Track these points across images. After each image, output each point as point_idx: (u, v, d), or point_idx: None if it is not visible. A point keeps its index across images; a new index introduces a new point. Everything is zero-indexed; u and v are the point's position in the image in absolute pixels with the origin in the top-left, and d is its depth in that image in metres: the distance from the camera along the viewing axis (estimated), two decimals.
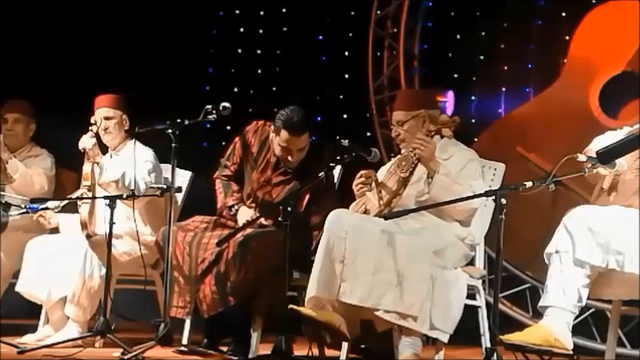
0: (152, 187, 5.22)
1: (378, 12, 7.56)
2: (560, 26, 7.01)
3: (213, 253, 4.94)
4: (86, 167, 5.37)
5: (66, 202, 5.52)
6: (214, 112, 4.97)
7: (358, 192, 4.81)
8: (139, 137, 5.49)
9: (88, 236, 5.34)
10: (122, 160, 5.50)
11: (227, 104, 4.97)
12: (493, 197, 4.10)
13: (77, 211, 5.45)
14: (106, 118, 5.61)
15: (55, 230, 5.82)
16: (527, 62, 7.15)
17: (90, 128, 5.39)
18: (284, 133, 5.06)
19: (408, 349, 4.38)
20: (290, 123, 5.04)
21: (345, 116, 7.78)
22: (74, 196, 5.45)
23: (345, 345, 4.64)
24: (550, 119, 6.79)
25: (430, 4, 7.51)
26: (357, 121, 7.66)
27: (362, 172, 4.81)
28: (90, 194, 5.32)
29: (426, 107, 4.86)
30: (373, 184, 4.78)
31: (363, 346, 4.70)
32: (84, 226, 5.31)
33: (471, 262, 4.82)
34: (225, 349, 5.08)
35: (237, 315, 5.00)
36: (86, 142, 5.37)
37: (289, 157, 5.12)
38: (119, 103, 5.67)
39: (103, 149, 5.53)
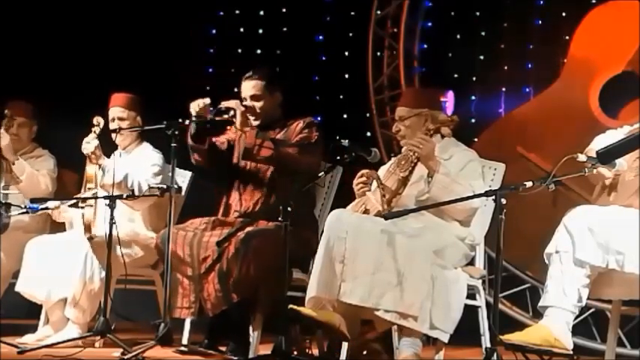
0: (152, 187, 5.22)
1: (378, 12, 7.56)
2: (560, 26, 7.01)
3: (216, 251, 4.94)
4: (90, 169, 5.36)
5: (66, 202, 5.52)
6: (224, 113, 5.04)
7: (359, 192, 4.81)
8: (149, 139, 5.51)
9: (90, 238, 5.33)
10: (131, 161, 5.50)
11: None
12: (493, 197, 4.09)
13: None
14: (120, 119, 5.62)
15: (56, 230, 5.83)
16: (527, 62, 7.15)
17: (92, 130, 5.39)
18: (242, 85, 5.26)
19: (408, 349, 4.38)
20: (248, 72, 5.28)
21: (345, 116, 7.78)
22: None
23: (345, 345, 4.64)
24: (550, 119, 6.79)
25: (430, 4, 7.52)
26: (357, 121, 7.66)
27: (363, 171, 4.81)
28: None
29: (430, 107, 4.87)
30: (374, 184, 4.78)
31: (364, 352, 4.70)
32: (88, 228, 5.30)
33: (471, 262, 4.82)
34: (224, 348, 5.08)
35: (238, 315, 5.00)
36: (88, 145, 5.36)
37: (245, 104, 5.20)
38: (134, 103, 5.68)
39: (105, 150, 5.54)
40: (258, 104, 5.24)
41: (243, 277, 4.86)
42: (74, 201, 5.41)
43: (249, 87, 5.24)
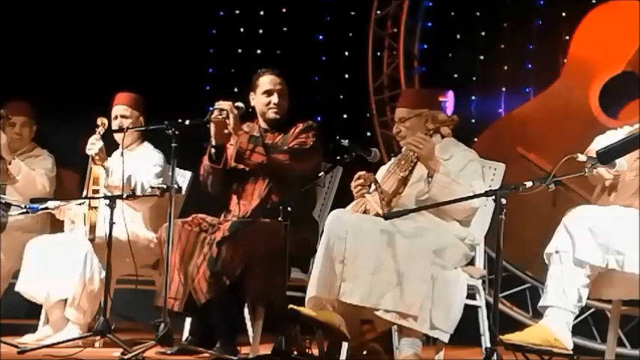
0: (152, 187, 5.23)
1: (378, 12, 7.56)
2: (560, 26, 7.01)
3: (208, 243, 4.95)
4: (96, 170, 5.36)
5: (66, 202, 5.52)
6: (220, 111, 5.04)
7: (357, 193, 4.80)
8: (149, 138, 5.51)
9: (92, 240, 5.33)
10: (132, 160, 5.51)
11: (240, 104, 5.10)
12: (493, 197, 4.09)
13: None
14: (123, 117, 5.63)
15: (56, 230, 5.83)
16: (527, 62, 7.15)
17: (97, 130, 5.40)
18: (263, 79, 5.25)
19: (408, 349, 4.38)
20: (268, 69, 5.27)
21: (345, 116, 7.78)
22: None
23: (345, 345, 4.64)
24: (550, 119, 6.79)
25: (430, 4, 7.51)
26: (357, 121, 7.66)
27: (360, 173, 4.80)
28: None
29: (430, 107, 4.88)
30: (372, 186, 4.78)
31: (364, 352, 4.70)
32: (92, 229, 5.29)
33: (471, 262, 4.82)
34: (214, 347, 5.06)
35: (230, 308, 5.01)
36: (93, 146, 5.36)
37: (272, 100, 5.23)
38: (137, 103, 5.69)
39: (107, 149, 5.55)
40: (281, 99, 5.25)
41: (230, 259, 4.87)
42: (74, 201, 5.42)
43: (273, 81, 5.25)
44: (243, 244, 4.90)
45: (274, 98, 5.24)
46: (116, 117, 5.65)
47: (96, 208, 5.27)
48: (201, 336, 5.05)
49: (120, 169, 5.37)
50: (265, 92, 5.25)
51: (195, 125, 5.02)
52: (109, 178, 5.37)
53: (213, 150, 5.20)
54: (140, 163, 5.54)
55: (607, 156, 4.15)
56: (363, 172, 4.79)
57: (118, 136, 5.65)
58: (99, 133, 5.39)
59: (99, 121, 5.42)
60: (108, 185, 5.39)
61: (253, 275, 4.88)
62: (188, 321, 5.21)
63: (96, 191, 5.33)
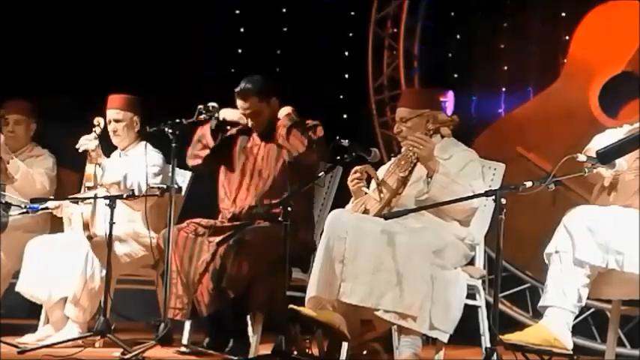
0: (152, 187, 5.23)
1: (378, 12, 7.56)
2: (560, 26, 7.01)
3: (210, 251, 4.95)
4: (89, 168, 5.38)
5: (66, 202, 5.52)
6: (205, 112, 5.04)
7: (353, 187, 4.81)
8: (149, 139, 5.53)
9: (90, 238, 5.34)
10: (130, 161, 5.50)
11: (215, 104, 5.09)
12: (493, 197, 4.09)
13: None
14: (116, 120, 5.63)
15: (56, 230, 5.83)
16: (527, 62, 7.15)
17: (93, 129, 5.41)
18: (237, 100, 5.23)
19: (407, 349, 4.38)
20: (238, 88, 5.20)
21: (345, 116, 7.78)
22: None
23: (345, 345, 4.64)
24: (550, 119, 6.79)
25: (430, 4, 7.51)
26: (357, 121, 7.66)
27: (357, 167, 4.81)
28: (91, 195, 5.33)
29: (431, 107, 4.88)
30: (373, 183, 4.79)
31: (364, 352, 4.70)
32: (86, 227, 5.31)
33: (471, 262, 4.82)
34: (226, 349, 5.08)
35: (236, 314, 5.00)
36: (88, 143, 5.37)
37: (248, 120, 5.23)
38: (130, 104, 5.68)
39: (105, 149, 5.54)
40: (255, 120, 5.22)
41: (236, 272, 4.87)
42: (73, 201, 5.42)
43: (241, 107, 5.21)
44: (247, 257, 4.88)
45: (248, 121, 5.25)
46: (110, 121, 5.64)
47: (89, 203, 5.27)
48: (214, 338, 5.06)
49: (116, 168, 5.38)
50: (240, 117, 5.28)
51: (193, 125, 5.03)
52: (104, 177, 5.37)
53: (214, 122, 5.22)
54: (139, 163, 5.52)
55: (607, 156, 4.15)
56: (359, 167, 4.80)
57: (115, 139, 5.66)
58: (94, 132, 5.40)
59: (95, 120, 5.44)
60: (103, 183, 5.39)
61: (258, 288, 4.88)
62: (188, 322, 5.20)
63: (89, 188, 5.34)
